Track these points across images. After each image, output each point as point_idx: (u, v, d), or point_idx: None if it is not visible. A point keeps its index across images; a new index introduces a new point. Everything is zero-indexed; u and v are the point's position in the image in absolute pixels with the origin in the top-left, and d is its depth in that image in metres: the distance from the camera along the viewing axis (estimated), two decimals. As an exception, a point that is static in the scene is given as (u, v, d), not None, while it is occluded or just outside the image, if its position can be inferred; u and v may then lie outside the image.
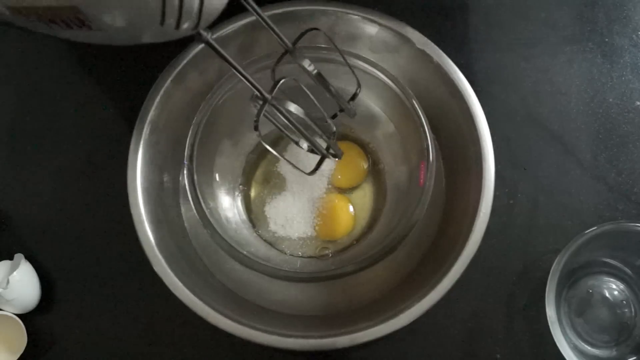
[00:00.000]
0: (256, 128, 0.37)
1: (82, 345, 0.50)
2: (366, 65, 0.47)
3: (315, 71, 0.41)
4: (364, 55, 0.47)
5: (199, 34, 0.32)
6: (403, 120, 0.48)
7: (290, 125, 0.38)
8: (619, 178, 0.53)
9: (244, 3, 0.35)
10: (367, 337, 0.42)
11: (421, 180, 0.45)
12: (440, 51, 0.48)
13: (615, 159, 0.54)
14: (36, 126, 0.56)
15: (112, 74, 0.57)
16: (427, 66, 0.49)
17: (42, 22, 0.31)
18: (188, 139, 0.45)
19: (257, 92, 0.36)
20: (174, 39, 0.33)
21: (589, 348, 0.49)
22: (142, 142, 0.47)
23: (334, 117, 0.45)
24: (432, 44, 0.49)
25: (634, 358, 0.48)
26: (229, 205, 0.51)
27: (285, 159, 0.42)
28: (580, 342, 0.49)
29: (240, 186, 0.53)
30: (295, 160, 0.52)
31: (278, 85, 0.37)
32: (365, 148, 0.53)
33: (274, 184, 0.52)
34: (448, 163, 0.50)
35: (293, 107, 0.38)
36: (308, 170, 0.41)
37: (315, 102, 0.43)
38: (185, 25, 0.30)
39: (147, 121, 0.47)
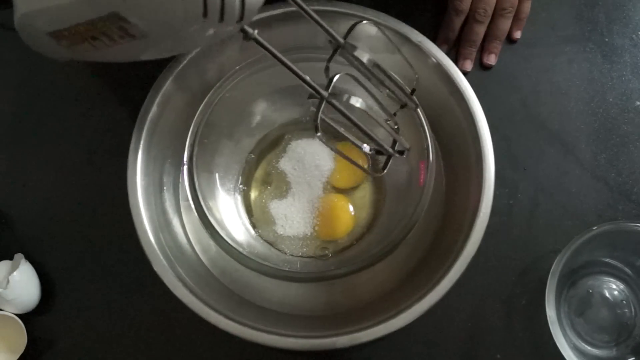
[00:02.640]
0: (316, 129, 0.35)
1: (82, 345, 0.50)
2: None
3: (374, 62, 0.39)
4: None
5: (244, 31, 0.31)
6: (403, 120, 0.48)
7: (352, 124, 0.36)
8: (619, 178, 0.53)
9: None
10: (367, 337, 0.42)
11: (421, 180, 0.45)
12: (440, 51, 0.48)
13: (615, 159, 0.54)
14: (36, 126, 0.56)
15: (112, 74, 0.57)
16: (427, 66, 0.49)
17: (87, 43, 0.30)
18: (188, 139, 0.45)
19: (312, 90, 0.35)
20: (217, 40, 0.31)
21: (589, 348, 0.49)
22: (142, 142, 0.47)
23: (394, 114, 0.43)
24: (432, 44, 0.49)
25: (634, 358, 0.48)
26: (228, 205, 0.51)
27: (357, 165, 0.39)
28: (580, 342, 0.49)
29: (240, 186, 0.53)
30: (297, 158, 0.52)
31: (334, 81, 0.35)
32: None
33: (274, 184, 0.52)
34: (448, 163, 0.50)
35: (356, 101, 0.35)
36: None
37: (376, 97, 0.41)
38: (228, 19, 0.29)
39: (147, 121, 0.47)
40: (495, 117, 0.48)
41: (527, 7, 0.56)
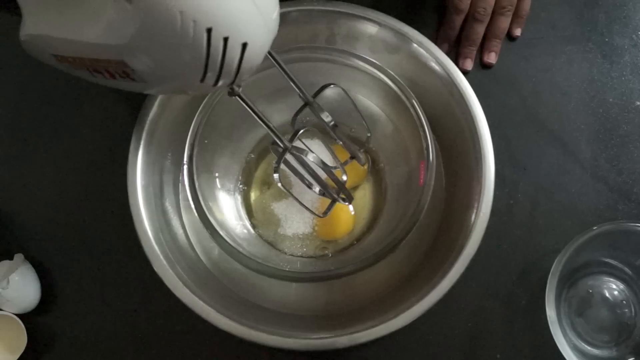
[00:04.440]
0: (276, 171, 0.40)
1: (82, 345, 0.50)
2: (366, 65, 0.47)
3: (332, 122, 0.44)
4: (364, 55, 0.47)
5: (231, 88, 0.34)
6: (403, 120, 0.48)
7: (306, 171, 0.41)
8: (619, 178, 0.53)
9: (269, 57, 0.37)
10: (367, 337, 0.42)
11: (421, 180, 0.45)
12: (440, 51, 0.48)
13: (615, 159, 0.54)
14: (36, 126, 0.56)
15: (112, 74, 0.57)
16: (427, 66, 0.49)
17: (87, 71, 0.33)
18: (188, 139, 0.45)
19: (278, 141, 0.38)
20: (206, 93, 0.34)
21: (589, 348, 0.49)
22: (142, 142, 0.47)
23: (344, 163, 0.47)
24: (432, 44, 0.49)
25: (634, 358, 0.48)
26: (228, 205, 0.51)
27: (300, 202, 0.43)
28: (580, 342, 0.49)
29: (240, 186, 0.53)
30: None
31: (297, 135, 0.40)
32: (365, 148, 0.53)
33: (274, 184, 0.52)
34: (448, 163, 0.50)
35: (311, 156, 0.40)
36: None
37: (331, 153, 0.47)
38: (222, 82, 0.31)
39: (147, 121, 0.47)
40: (495, 117, 0.48)
41: (526, 4, 0.56)
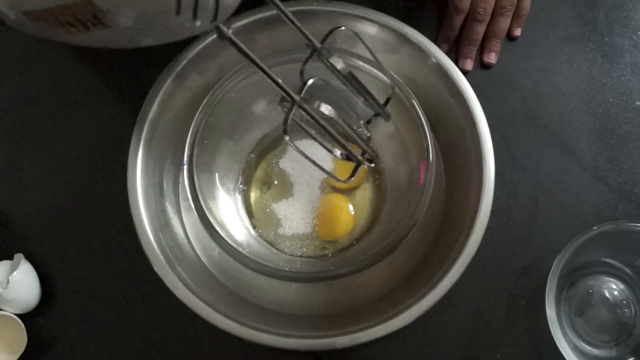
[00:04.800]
0: (285, 132, 0.34)
1: (82, 345, 0.50)
2: (366, 65, 0.47)
3: (348, 70, 0.39)
4: (364, 55, 0.47)
5: (219, 30, 0.31)
6: (403, 120, 0.48)
7: (322, 129, 0.35)
8: (619, 178, 0.53)
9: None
10: (367, 337, 0.42)
11: (421, 180, 0.45)
12: (440, 51, 0.48)
13: (615, 159, 0.54)
14: (36, 126, 0.56)
15: (112, 74, 0.57)
16: (427, 66, 0.49)
17: (61, 27, 0.30)
18: (188, 139, 0.45)
19: (284, 94, 0.34)
20: (191, 36, 0.31)
21: (589, 348, 0.49)
22: (142, 142, 0.47)
23: (368, 122, 0.44)
24: (432, 44, 0.49)
25: (634, 358, 0.48)
26: (228, 205, 0.51)
27: (315, 164, 0.38)
28: (580, 342, 0.49)
29: (240, 186, 0.53)
30: (297, 158, 0.52)
31: (307, 86, 0.35)
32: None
33: (274, 184, 0.52)
34: (448, 163, 0.50)
35: (325, 108, 0.35)
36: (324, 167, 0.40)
37: (347, 105, 0.41)
38: (202, 17, 0.29)
39: (147, 121, 0.47)
40: (495, 117, 0.48)
41: (526, 4, 0.56)
